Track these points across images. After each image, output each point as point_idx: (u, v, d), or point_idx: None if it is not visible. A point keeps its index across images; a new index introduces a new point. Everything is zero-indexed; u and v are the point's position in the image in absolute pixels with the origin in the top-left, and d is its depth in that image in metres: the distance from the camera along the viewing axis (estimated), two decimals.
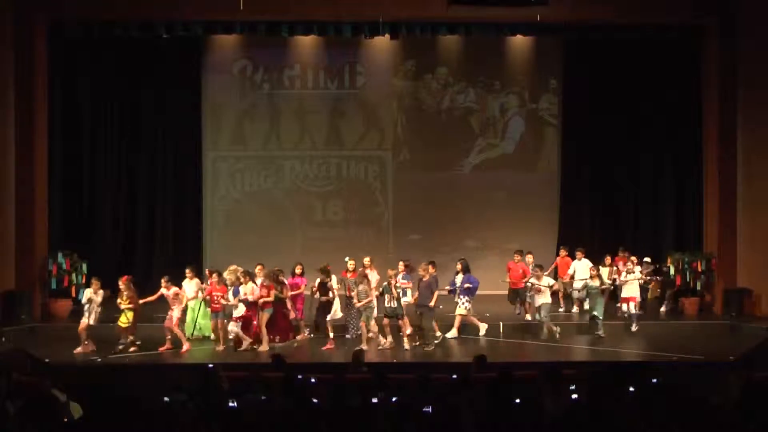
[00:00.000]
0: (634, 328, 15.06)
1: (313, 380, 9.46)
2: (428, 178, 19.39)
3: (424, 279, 14.13)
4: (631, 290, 15.21)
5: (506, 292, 16.19)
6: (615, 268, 16.28)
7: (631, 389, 7.65)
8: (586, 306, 15.44)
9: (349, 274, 14.51)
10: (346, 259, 14.81)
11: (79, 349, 13.52)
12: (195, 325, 14.62)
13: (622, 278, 15.31)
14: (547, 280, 14.70)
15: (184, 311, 14.32)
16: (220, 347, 13.81)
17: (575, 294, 16.36)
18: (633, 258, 15.95)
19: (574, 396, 7.71)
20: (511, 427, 6.44)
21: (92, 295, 13.69)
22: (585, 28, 17.58)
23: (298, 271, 14.68)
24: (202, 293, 14.48)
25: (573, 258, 16.47)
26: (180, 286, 14.22)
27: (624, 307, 15.23)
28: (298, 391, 7.79)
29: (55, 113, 17.60)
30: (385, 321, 14.07)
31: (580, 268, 16.09)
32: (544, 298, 14.54)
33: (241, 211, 19.27)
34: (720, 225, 17.11)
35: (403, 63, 19.32)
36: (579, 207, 19.36)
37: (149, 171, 18.93)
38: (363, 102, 19.41)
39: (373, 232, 19.41)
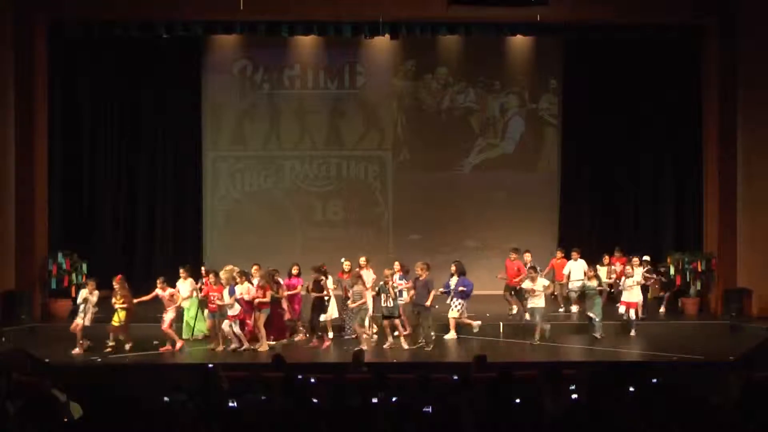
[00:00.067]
0: (632, 333, 14.98)
1: (313, 380, 9.46)
2: (428, 178, 19.38)
3: (421, 278, 14.13)
4: (632, 296, 15.09)
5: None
6: (612, 267, 16.30)
7: (631, 389, 7.65)
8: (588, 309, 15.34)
9: (345, 275, 14.52)
10: (342, 260, 14.83)
11: (77, 350, 13.52)
12: (194, 326, 14.61)
13: (622, 283, 15.22)
14: (541, 282, 14.61)
15: (180, 311, 14.32)
16: (219, 347, 13.81)
17: (572, 295, 16.33)
18: (635, 259, 15.87)
19: (574, 396, 7.71)
20: (511, 427, 6.43)
21: (88, 295, 13.71)
22: (585, 28, 17.57)
23: (294, 271, 14.67)
24: (197, 293, 14.49)
25: (569, 259, 16.47)
26: (175, 287, 14.25)
27: (622, 309, 15.14)
28: (298, 391, 7.79)
29: (55, 113, 17.60)
30: (386, 322, 14.09)
31: (576, 269, 16.10)
32: (539, 302, 14.48)
33: (241, 211, 19.27)
34: (720, 225, 17.10)
35: (403, 63, 19.32)
36: (579, 207, 19.35)
37: (149, 171, 18.93)
38: (363, 102, 19.41)
39: (373, 232, 19.41)
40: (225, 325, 13.70)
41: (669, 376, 9.13)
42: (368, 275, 14.69)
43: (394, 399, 7.49)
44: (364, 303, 13.96)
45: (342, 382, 9.46)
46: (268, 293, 13.91)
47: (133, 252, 18.83)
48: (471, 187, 19.39)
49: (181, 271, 14.70)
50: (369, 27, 17.25)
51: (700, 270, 16.85)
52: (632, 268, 15.45)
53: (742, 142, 16.93)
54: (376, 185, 19.47)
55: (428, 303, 14.06)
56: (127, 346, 13.68)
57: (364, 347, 13.31)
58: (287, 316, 14.45)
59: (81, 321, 13.58)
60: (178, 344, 13.76)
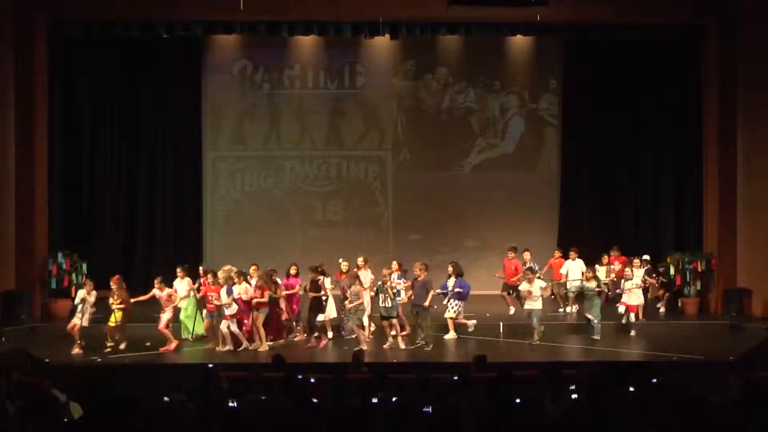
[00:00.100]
0: (632, 333, 14.95)
1: (312, 380, 9.46)
2: (428, 178, 19.38)
3: (420, 278, 14.12)
4: (632, 298, 15.06)
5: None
6: (611, 267, 16.29)
7: (631, 389, 7.65)
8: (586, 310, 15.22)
9: (342, 276, 14.52)
10: (340, 260, 14.82)
11: (76, 350, 13.52)
12: (193, 326, 14.60)
13: (622, 285, 15.19)
14: (538, 285, 14.51)
15: (177, 311, 14.31)
16: (220, 348, 13.79)
17: (570, 295, 16.30)
18: (636, 261, 15.83)
19: (574, 396, 7.71)
20: (511, 427, 6.43)
21: (85, 295, 13.70)
22: (585, 28, 17.58)
23: (292, 271, 14.66)
24: (194, 293, 14.49)
25: (567, 258, 16.47)
26: (172, 287, 14.25)
27: (621, 309, 15.10)
28: (298, 391, 7.79)
29: (55, 113, 17.60)
30: (384, 323, 14.09)
31: (574, 268, 16.09)
32: (536, 304, 14.45)
33: (241, 211, 19.27)
34: (720, 225, 17.10)
35: (403, 63, 19.32)
36: (579, 207, 19.36)
37: (149, 171, 18.93)
38: (363, 102, 19.41)
39: (373, 232, 19.41)
40: (223, 325, 13.69)
41: (669, 376, 9.13)
42: (366, 275, 14.68)
43: (394, 399, 7.49)
44: (361, 303, 13.96)
45: (342, 382, 9.46)
46: (266, 293, 13.91)
47: (133, 252, 18.84)
48: (471, 187, 19.39)
49: (178, 270, 14.71)
50: (369, 27, 17.26)
51: (700, 270, 16.86)
52: (632, 270, 15.42)
53: (742, 142, 16.93)
54: (376, 185, 19.47)
55: (426, 303, 14.06)
56: (122, 346, 13.66)
57: (364, 347, 13.30)
58: (285, 316, 14.44)
59: (78, 321, 13.57)
60: (173, 344, 13.77)
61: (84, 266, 16.64)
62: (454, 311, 14.51)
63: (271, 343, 14.03)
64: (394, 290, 14.01)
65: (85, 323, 13.63)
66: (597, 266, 16.34)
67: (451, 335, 14.60)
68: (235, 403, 7.19)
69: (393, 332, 14.08)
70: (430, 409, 6.72)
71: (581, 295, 15.15)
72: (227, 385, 8.64)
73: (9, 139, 16.11)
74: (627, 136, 18.94)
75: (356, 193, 19.46)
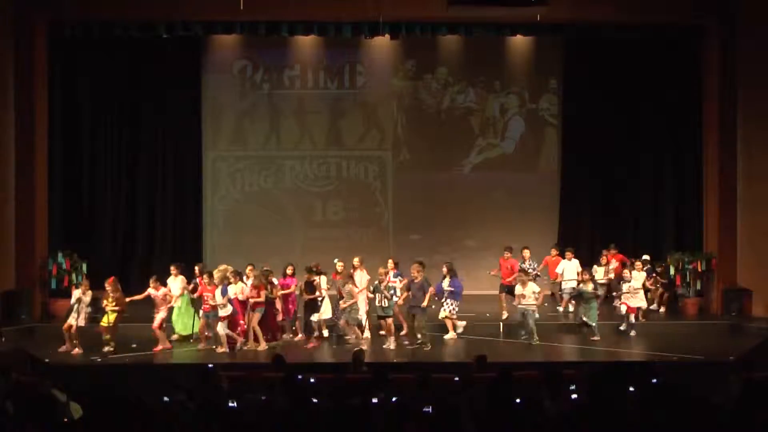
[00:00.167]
0: (632, 333, 14.92)
1: (312, 380, 9.46)
2: (428, 178, 19.38)
3: (416, 281, 14.11)
4: (632, 300, 15.01)
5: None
6: (609, 267, 16.26)
7: (631, 389, 7.65)
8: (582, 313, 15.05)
9: (338, 276, 14.51)
10: (335, 260, 14.81)
11: (77, 350, 13.52)
12: (193, 323, 14.59)
13: (623, 287, 15.15)
14: (531, 288, 14.44)
15: (170, 310, 14.30)
16: (220, 349, 13.76)
17: (565, 296, 16.26)
18: (638, 263, 15.80)
19: (574, 396, 7.71)
20: (511, 427, 6.43)
21: (81, 295, 13.69)
22: (585, 28, 17.57)
23: (289, 271, 14.66)
24: (188, 291, 14.48)
25: (563, 257, 16.45)
26: (167, 285, 14.26)
27: (623, 309, 15.06)
28: (298, 391, 7.79)
29: (55, 113, 17.61)
30: (381, 322, 14.09)
31: (570, 269, 16.07)
32: (530, 306, 14.36)
33: (241, 211, 19.27)
34: (720, 225, 17.09)
35: (403, 63, 19.32)
36: (579, 207, 19.36)
37: (149, 171, 18.93)
38: (363, 102, 19.40)
39: (373, 232, 19.41)
40: (220, 327, 13.67)
41: (669, 376, 9.13)
42: (362, 276, 14.67)
43: (394, 399, 7.49)
44: (355, 303, 13.95)
45: (342, 382, 9.47)
46: (263, 293, 13.90)
47: (133, 252, 18.84)
48: (471, 187, 19.38)
49: (171, 268, 14.71)
50: (369, 27, 17.24)
51: (700, 270, 16.86)
52: (630, 272, 15.35)
53: (742, 142, 16.92)
54: (376, 185, 19.46)
55: (425, 304, 14.08)
56: (109, 347, 13.56)
57: (364, 347, 13.30)
58: (281, 317, 14.43)
59: (74, 321, 13.56)
60: (160, 346, 13.76)
61: (84, 266, 16.64)
62: (449, 311, 14.51)
63: (267, 345, 13.99)
64: (391, 290, 14.00)
65: (81, 323, 13.62)
66: (595, 267, 16.32)
67: (451, 335, 14.60)
68: (235, 403, 7.19)
69: (384, 332, 14.06)
70: (430, 409, 6.72)
71: (578, 297, 15.09)
72: (227, 385, 8.64)
73: (9, 140, 16.11)
74: (627, 136, 18.94)
75: (356, 193, 19.45)
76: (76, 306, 13.60)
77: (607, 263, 16.44)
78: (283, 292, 14.35)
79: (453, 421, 6.43)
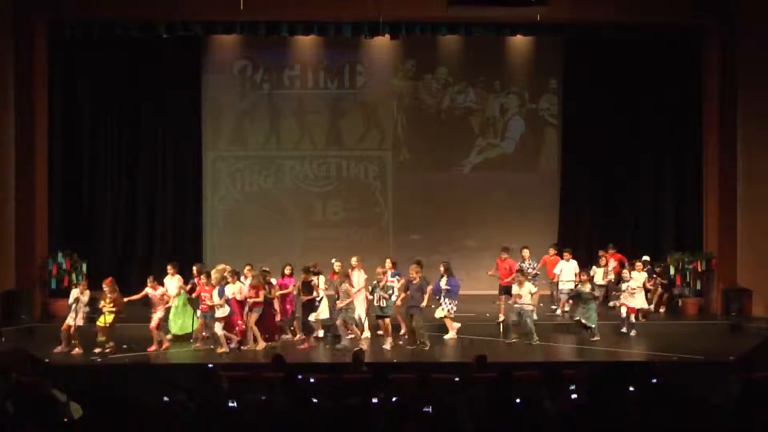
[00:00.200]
0: (632, 333, 14.88)
1: (312, 380, 9.46)
2: (428, 178, 19.38)
3: (415, 282, 14.10)
4: (632, 301, 14.97)
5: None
6: (608, 268, 16.24)
7: (631, 389, 7.65)
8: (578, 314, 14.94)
9: (335, 276, 14.50)
10: (333, 260, 14.80)
11: (77, 350, 13.53)
12: (192, 324, 14.59)
13: (623, 287, 15.14)
14: (527, 288, 14.42)
15: (168, 310, 14.29)
16: (221, 349, 13.76)
17: (562, 296, 16.21)
18: (638, 264, 15.78)
19: (574, 396, 7.71)
20: (511, 427, 6.43)
21: (78, 294, 13.69)
22: (585, 28, 17.57)
23: (287, 271, 14.65)
24: (185, 290, 14.47)
25: (561, 256, 16.42)
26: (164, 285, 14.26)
27: (623, 310, 15.01)
28: (298, 391, 7.79)
29: (55, 113, 17.61)
30: (379, 322, 14.09)
31: (567, 270, 16.00)
32: (526, 306, 14.33)
33: (241, 211, 19.27)
34: (720, 225, 17.10)
35: (403, 63, 19.31)
36: (579, 207, 19.36)
37: (149, 171, 18.93)
38: (363, 102, 19.40)
39: (373, 232, 19.41)
40: (217, 327, 13.68)
41: (669, 376, 9.13)
42: (359, 275, 14.66)
43: (393, 399, 7.49)
44: (351, 302, 13.95)
45: (342, 382, 9.47)
46: (261, 293, 13.89)
47: (133, 252, 18.84)
48: (471, 187, 19.38)
49: (168, 267, 14.71)
50: (369, 27, 17.23)
51: (700, 270, 16.86)
52: (630, 272, 15.32)
53: (742, 143, 16.93)
54: (376, 185, 19.46)
55: (424, 304, 14.10)
56: (97, 349, 13.49)
57: (364, 346, 13.30)
58: (279, 317, 14.42)
59: (72, 322, 13.56)
60: (153, 348, 13.75)
61: (84, 266, 16.63)
62: (447, 310, 14.50)
63: (265, 344, 13.97)
64: (389, 290, 13.99)
65: (80, 322, 13.61)
66: (594, 268, 16.29)
67: (451, 335, 14.60)
68: (235, 403, 7.19)
69: (381, 332, 14.05)
70: (430, 409, 6.72)
71: (576, 297, 15.04)
72: (227, 385, 8.64)
73: (9, 140, 16.11)
74: (627, 136, 18.94)
75: (356, 193, 19.45)
76: (74, 306, 13.61)
77: (606, 264, 16.40)
78: (281, 292, 14.34)
79: (452, 421, 6.43)
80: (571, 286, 15.65)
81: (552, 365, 11.15)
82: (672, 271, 16.98)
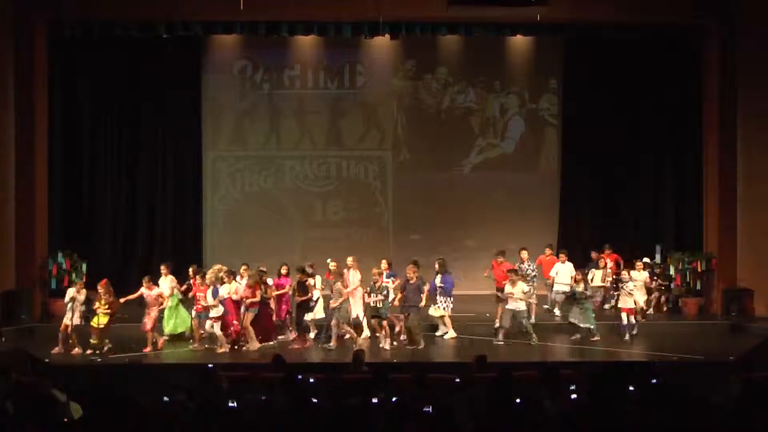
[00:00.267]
0: (626, 337, 14.65)
1: (312, 380, 9.46)
2: (428, 178, 19.38)
3: (412, 281, 14.09)
4: (628, 301, 14.84)
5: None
6: (607, 270, 16.21)
7: (631, 389, 7.65)
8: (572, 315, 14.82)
9: (331, 276, 14.49)
10: (328, 260, 14.79)
11: (76, 350, 13.52)
12: (184, 324, 14.59)
13: (621, 288, 15.08)
14: (520, 288, 14.38)
15: (161, 311, 14.28)
16: (222, 349, 13.75)
17: (558, 298, 16.13)
18: (638, 264, 15.71)
19: (574, 396, 7.71)
20: (510, 427, 6.43)
21: (75, 294, 13.68)
22: (585, 28, 17.57)
23: (283, 271, 14.64)
24: (178, 290, 14.46)
25: (558, 257, 16.40)
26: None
27: (623, 316, 14.81)
28: (298, 391, 7.79)
29: (55, 113, 17.61)
30: (374, 321, 14.08)
31: (563, 271, 15.90)
32: (520, 305, 14.31)
33: (241, 211, 19.27)
34: (720, 225, 17.10)
35: (403, 63, 19.32)
36: (579, 207, 19.36)
37: (149, 171, 18.93)
38: (363, 102, 19.41)
39: (373, 232, 19.41)
40: (207, 325, 13.69)
41: (669, 376, 9.13)
42: (355, 275, 14.66)
43: (393, 399, 7.49)
44: (345, 301, 13.94)
45: (342, 382, 9.47)
46: (258, 292, 13.88)
47: (133, 252, 18.84)
48: (471, 187, 19.39)
49: (162, 267, 14.71)
50: (369, 27, 17.23)
51: (700, 270, 16.86)
52: (629, 273, 15.26)
53: (742, 142, 16.93)
54: (376, 185, 19.47)
55: (423, 304, 14.12)
56: (89, 351, 13.47)
57: (364, 346, 13.29)
58: (275, 317, 14.40)
59: (69, 321, 13.55)
60: (148, 348, 13.72)
61: (84, 266, 16.64)
62: (443, 307, 14.49)
63: (259, 344, 13.94)
64: (384, 291, 13.97)
65: (76, 321, 13.60)
66: (593, 270, 16.27)
67: (451, 334, 14.60)
68: (235, 403, 7.19)
69: (383, 333, 14.05)
70: (430, 409, 6.71)
71: (571, 297, 14.99)
72: (227, 385, 8.64)
73: (9, 140, 16.11)
74: (627, 136, 18.95)
75: (356, 193, 19.45)
76: (70, 305, 13.59)
77: (605, 266, 16.35)
78: (277, 292, 14.33)
79: (453, 421, 6.43)
80: (565, 288, 15.56)
81: (552, 365, 11.12)
82: (672, 271, 16.98)
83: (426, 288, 14.27)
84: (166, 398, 7.56)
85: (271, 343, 14.13)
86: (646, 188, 19.12)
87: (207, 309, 13.70)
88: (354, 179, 19.45)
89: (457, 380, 9.12)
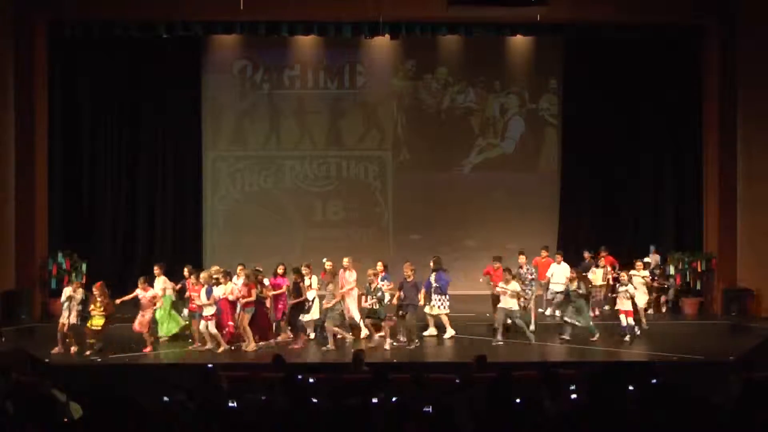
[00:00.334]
0: (627, 338, 14.54)
1: (312, 380, 9.46)
2: (428, 178, 19.39)
3: (409, 279, 14.09)
4: (626, 304, 14.69)
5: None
6: (608, 269, 16.20)
7: (631, 389, 7.65)
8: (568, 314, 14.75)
9: (327, 276, 14.48)
10: (324, 260, 14.77)
11: (74, 349, 13.50)
12: (181, 322, 14.59)
13: (620, 291, 15.04)
14: (513, 286, 14.35)
15: (155, 311, 14.25)
16: (225, 347, 13.72)
17: (553, 298, 16.10)
18: (639, 264, 15.68)
19: (574, 396, 7.71)
20: (510, 427, 6.43)
21: (71, 293, 13.68)
22: (585, 28, 17.59)
23: (280, 271, 14.62)
24: (170, 291, 14.44)
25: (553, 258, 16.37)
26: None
27: (622, 318, 14.69)
28: (298, 391, 7.78)
29: (55, 113, 17.62)
30: (368, 321, 14.08)
31: (558, 272, 15.85)
32: (512, 304, 14.27)
33: (241, 211, 19.27)
34: (720, 225, 17.11)
35: (403, 63, 19.32)
36: (579, 207, 19.37)
37: (149, 171, 18.94)
38: (363, 102, 19.41)
39: (373, 232, 19.41)
40: (201, 325, 13.69)
41: (669, 376, 9.13)
42: (351, 276, 14.63)
43: (393, 399, 7.48)
44: (338, 302, 13.93)
45: (342, 382, 9.47)
46: (253, 291, 13.87)
47: (134, 252, 18.85)
48: (471, 187, 19.39)
49: (155, 267, 14.68)
50: (369, 27, 17.25)
51: (700, 270, 16.87)
52: (627, 274, 15.19)
53: (742, 142, 16.94)
54: (376, 185, 19.47)
55: (421, 303, 14.14)
56: (88, 352, 13.43)
57: (363, 346, 13.29)
58: (271, 316, 14.40)
59: (66, 320, 13.54)
60: (148, 348, 13.69)
61: (84, 266, 16.64)
62: (438, 306, 14.48)
63: (256, 345, 13.92)
64: (378, 293, 13.93)
65: (73, 320, 13.59)
66: (593, 269, 16.25)
67: (450, 333, 14.59)
68: (235, 403, 7.19)
69: (382, 333, 14.06)
70: (430, 409, 6.71)
71: (566, 296, 14.94)
72: (227, 385, 8.64)
73: (9, 140, 16.12)
74: (627, 136, 18.95)
75: (356, 193, 19.46)
76: (66, 304, 13.60)
77: (605, 265, 16.35)
78: (274, 292, 14.32)
79: (452, 421, 6.43)
80: (560, 288, 15.52)
81: (549, 366, 11.13)
82: (672, 271, 16.98)
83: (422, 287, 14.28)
84: (166, 398, 7.56)
85: (268, 342, 14.12)
86: (646, 188, 19.13)
87: (201, 308, 13.70)
88: (354, 179, 19.46)
89: (457, 380, 9.12)
